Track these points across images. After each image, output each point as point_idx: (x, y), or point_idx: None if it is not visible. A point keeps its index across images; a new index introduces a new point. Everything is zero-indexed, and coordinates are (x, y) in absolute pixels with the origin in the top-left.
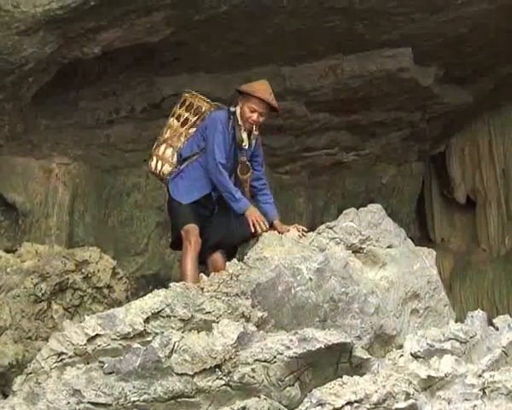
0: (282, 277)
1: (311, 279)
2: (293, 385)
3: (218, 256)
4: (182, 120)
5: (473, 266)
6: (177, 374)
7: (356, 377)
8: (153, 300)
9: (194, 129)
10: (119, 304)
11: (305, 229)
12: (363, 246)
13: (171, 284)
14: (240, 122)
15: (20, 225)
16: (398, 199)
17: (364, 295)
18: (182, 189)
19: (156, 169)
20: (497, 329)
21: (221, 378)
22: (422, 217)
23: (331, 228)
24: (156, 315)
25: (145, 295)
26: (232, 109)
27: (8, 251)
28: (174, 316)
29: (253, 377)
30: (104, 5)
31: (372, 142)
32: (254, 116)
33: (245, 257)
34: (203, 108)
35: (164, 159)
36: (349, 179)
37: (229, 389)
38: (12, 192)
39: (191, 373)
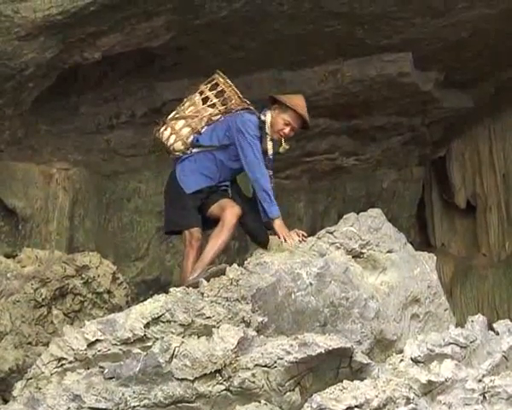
0: (282, 282)
1: (311, 284)
2: (293, 390)
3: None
4: (208, 103)
5: (473, 270)
6: (178, 379)
7: (356, 382)
8: (153, 305)
9: (217, 117)
10: (120, 309)
11: (305, 234)
12: (363, 251)
13: (172, 289)
14: (268, 131)
15: (20, 231)
16: (399, 204)
17: (364, 300)
18: (188, 172)
19: (168, 141)
20: (497, 333)
21: (221, 383)
22: (423, 222)
23: (331, 233)
24: (156, 320)
25: (145, 300)
26: (262, 118)
27: (8, 256)
28: (174, 321)
29: (254, 382)
30: (104, 10)
31: (372, 146)
32: (287, 130)
33: (245, 262)
34: (232, 101)
35: (179, 135)
36: (349, 184)
37: (229, 394)
38: (12, 197)
39: (191, 378)
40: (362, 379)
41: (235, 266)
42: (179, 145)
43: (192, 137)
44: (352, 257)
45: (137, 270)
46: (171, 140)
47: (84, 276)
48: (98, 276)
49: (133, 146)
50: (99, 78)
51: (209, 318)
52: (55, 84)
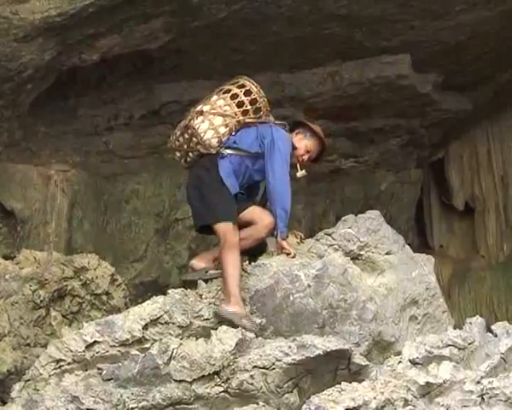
0: (280, 283)
1: (309, 286)
2: (291, 392)
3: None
4: (243, 108)
5: (471, 272)
6: (176, 381)
7: (354, 384)
8: (151, 306)
9: (250, 120)
10: (118, 311)
11: (303, 235)
12: (361, 253)
13: (170, 291)
14: None
15: (18, 232)
16: (397, 206)
17: (363, 302)
18: (228, 174)
19: (204, 134)
20: (495, 335)
21: (219, 385)
22: (421, 224)
23: (330, 235)
24: (155, 322)
25: (144, 301)
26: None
27: (6, 258)
28: (173, 323)
29: (252, 384)
30: (103, 12)
31: (371, 149)
32: (306, 157)
33: (244, 264)
34: (261, 112)
35: (218, 132)
36: (348, 186)
37: (227, 395)
38: (11, 199)
39: (189, 380)
40: (360, 381)
41: None
42: (215, 142)
43: (227, 137)
44: (351, 259)
45: (136, 271)
46: (209, 135)
47: (82, 277)
48: (96, 277)
49: (131, 148)
50: (98, 80)
51: (207, 319)
52: (53, 85)
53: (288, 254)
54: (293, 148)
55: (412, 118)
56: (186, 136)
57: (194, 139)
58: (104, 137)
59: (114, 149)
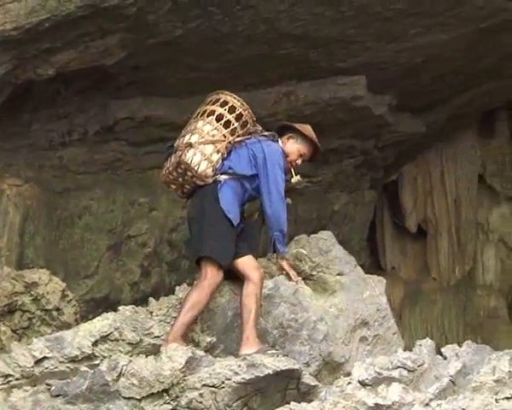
0: (231, 302)
1: (260, 305)
2: None
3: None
4: (231, 128)
5: (423, 294)
6: (125, 398)
7: (303, 404)
8: (101, 323)
9: (239, 139)
10: (68, 327)
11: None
12: (313, 273)
13: (120, 308)
14: None
15: None
16: (350, 226)
17: (313, 322)
18: (229, 202)
19: (200, 167)
20: (445, 358)
21: (168, 403)
22: (374, 245)
23: None
24: (104, 338)
25: (94, 318)
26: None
27: None
28: (122, 340)
29: (201, 403)
30: (59, 27)
31: (325, 169)
32: (300, 161)
33: (195, 282)
34: (248, 125)
35: (211, 161)
36: (301, 206)
37: None
38: None
39: (138, 397)
40: (309, 401)
41: (184, 285)
42: (210, 171)
43: (220, 163)
44: (302, 279)
45: (87, 288)
46: (203, 166)
47: (32, 293)
48: (47, 293)
49: (85, 163)
50: (53, 94)
51: (157, 337)
52: (8, 100)
53: (289, 278)
54: (286, 155)
55: (366, 139)
56: (179, 170)
57: (189, 173)
58: (58, 152)
59: (68, 164)
